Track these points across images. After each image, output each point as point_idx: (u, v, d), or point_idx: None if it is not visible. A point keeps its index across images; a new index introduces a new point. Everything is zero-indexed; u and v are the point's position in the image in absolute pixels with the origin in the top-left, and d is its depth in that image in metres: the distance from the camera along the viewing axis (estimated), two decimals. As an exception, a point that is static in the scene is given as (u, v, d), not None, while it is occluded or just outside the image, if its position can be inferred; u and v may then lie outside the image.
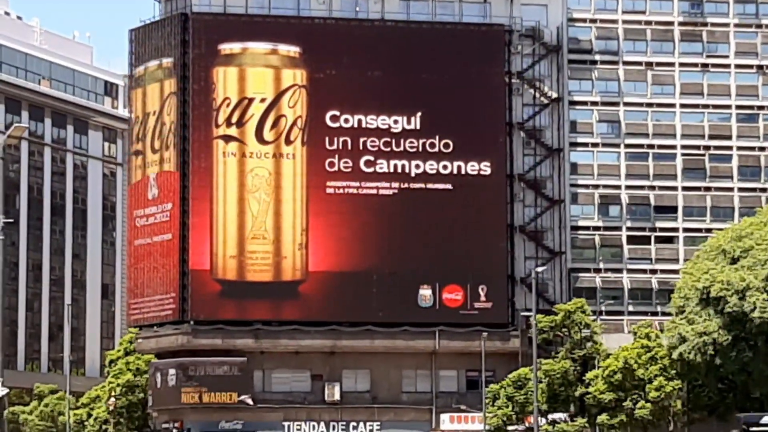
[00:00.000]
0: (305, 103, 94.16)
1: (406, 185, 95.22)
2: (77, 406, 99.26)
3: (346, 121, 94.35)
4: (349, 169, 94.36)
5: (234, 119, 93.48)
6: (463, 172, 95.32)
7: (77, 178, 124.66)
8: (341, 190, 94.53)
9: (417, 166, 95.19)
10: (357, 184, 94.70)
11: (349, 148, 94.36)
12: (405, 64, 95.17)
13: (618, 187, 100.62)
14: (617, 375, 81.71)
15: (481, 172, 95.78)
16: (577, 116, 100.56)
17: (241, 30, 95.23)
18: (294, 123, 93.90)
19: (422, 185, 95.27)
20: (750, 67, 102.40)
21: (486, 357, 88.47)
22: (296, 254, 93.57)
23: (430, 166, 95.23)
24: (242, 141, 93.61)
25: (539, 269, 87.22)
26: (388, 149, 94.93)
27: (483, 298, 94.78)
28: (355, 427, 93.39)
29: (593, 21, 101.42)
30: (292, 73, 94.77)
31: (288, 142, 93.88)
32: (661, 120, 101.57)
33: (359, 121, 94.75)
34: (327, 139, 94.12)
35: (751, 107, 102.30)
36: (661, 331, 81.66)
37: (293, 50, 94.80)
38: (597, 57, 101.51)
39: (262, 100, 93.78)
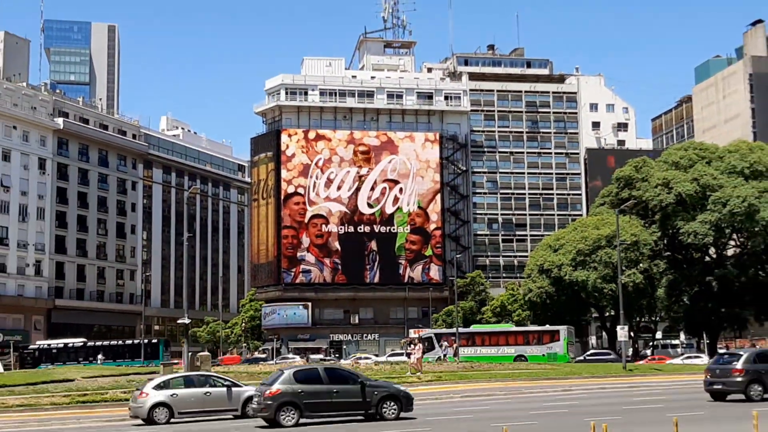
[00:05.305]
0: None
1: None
2: (225, 328, 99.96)
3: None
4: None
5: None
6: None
7: (224, 213, 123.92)
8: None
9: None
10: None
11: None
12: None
13: (496, 214, 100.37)
14: (498, 309, 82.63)
15: (428, 210, 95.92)
16: (475, 179, 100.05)
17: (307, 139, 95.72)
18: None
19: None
20: (562, 154, 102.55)
21: (432, 301, 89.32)
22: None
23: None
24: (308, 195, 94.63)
25: (458, 256, 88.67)
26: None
27: (431, 270, 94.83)
28: (365, 336, 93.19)
29: (483, 131, 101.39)
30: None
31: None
32: (518, 181, 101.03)
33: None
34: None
35: (563, 174, 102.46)
36: (519, 286, 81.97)
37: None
38: (485, 149, 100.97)
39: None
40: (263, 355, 79.45)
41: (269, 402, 21.87)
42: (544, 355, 58.20)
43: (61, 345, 68.89)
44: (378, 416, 22.43)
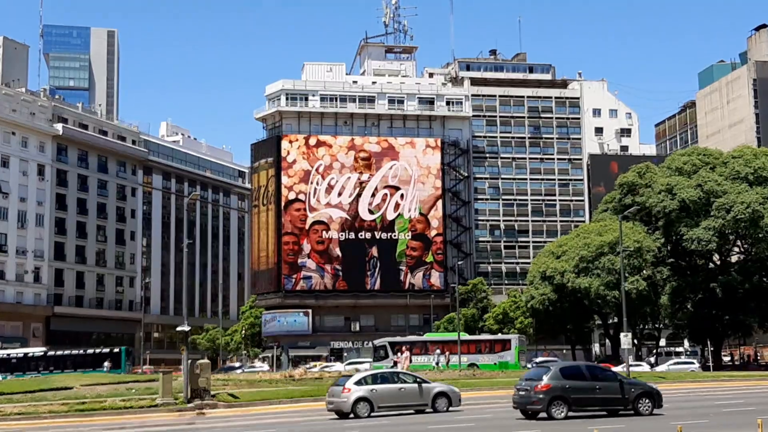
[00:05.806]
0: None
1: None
2: (225, 335, 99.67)
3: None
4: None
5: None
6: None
7: (225, 219, 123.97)
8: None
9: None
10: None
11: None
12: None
13: (498, 221, 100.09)
14: (500, 316, 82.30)
15: (429, 216, 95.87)
16: (477, 185, 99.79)
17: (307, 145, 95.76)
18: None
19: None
20: (565, 159, 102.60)
21: (433, 308, 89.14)
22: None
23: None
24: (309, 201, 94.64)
25: (459, 262, 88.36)
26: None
27: (432, 277, 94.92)
28: (367, 343, 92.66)
29: (485, 137, 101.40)
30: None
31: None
32: (520, 186, 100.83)
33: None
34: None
35: (565, 180, 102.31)
36: (522, 293, 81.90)
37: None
38: (487, 155, 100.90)
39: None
40: (237, 364, 79.40)
41: (541, 396, 23.45)
42: (495, 363, 59.68)
43: (21, 354, 67.47)
44: (633, 411, 23.83)
